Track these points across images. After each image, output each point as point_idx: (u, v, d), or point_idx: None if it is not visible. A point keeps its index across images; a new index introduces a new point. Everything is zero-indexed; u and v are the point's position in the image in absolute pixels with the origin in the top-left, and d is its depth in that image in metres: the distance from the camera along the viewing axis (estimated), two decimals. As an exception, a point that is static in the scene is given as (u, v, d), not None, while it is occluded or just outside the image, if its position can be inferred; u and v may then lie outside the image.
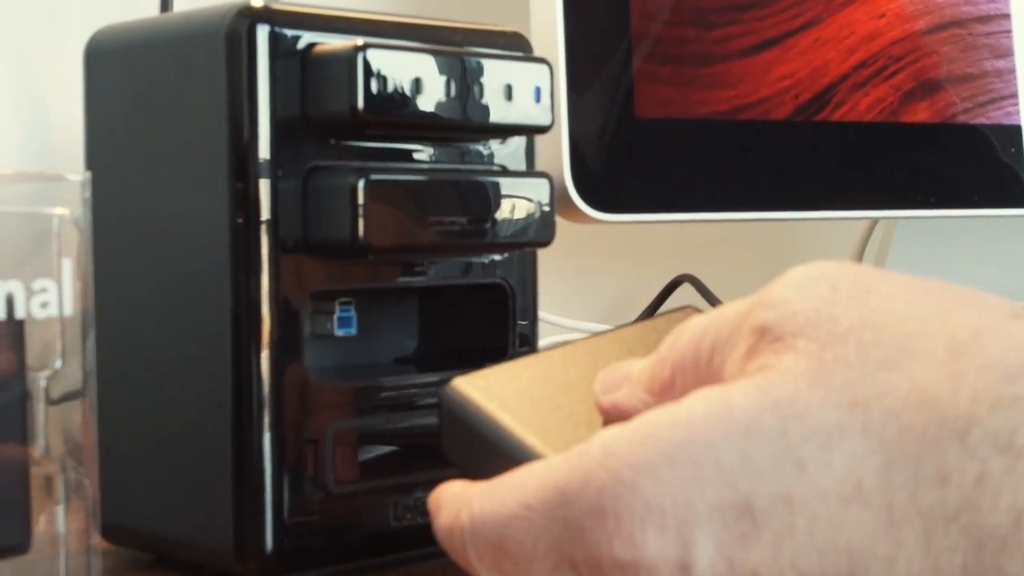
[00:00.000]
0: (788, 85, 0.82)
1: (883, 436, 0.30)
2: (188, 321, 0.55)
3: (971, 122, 0.89)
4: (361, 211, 0.52)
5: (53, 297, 0.42)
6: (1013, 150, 0.91)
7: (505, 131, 0.59)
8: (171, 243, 0.55)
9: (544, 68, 0.59)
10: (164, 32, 0.57)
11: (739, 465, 0.30)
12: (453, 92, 0.55)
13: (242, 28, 0.53)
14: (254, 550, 0.53)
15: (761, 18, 0.81)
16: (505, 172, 0.59)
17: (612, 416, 0.37)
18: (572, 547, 0.32)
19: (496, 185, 0.57)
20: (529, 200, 0.58)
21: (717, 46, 0.79)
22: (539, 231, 0.58)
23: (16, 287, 0.42)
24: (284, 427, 0.53)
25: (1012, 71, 0.92)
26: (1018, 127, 0.92)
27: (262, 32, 0.53)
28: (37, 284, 0.42)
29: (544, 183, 0.59)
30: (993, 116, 0.91)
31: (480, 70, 0.56)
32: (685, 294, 0.90)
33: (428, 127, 0.55)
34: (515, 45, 0.61)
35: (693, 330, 0.35)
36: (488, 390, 0.40)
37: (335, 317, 0.56)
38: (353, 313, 0.57)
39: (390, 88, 0.53)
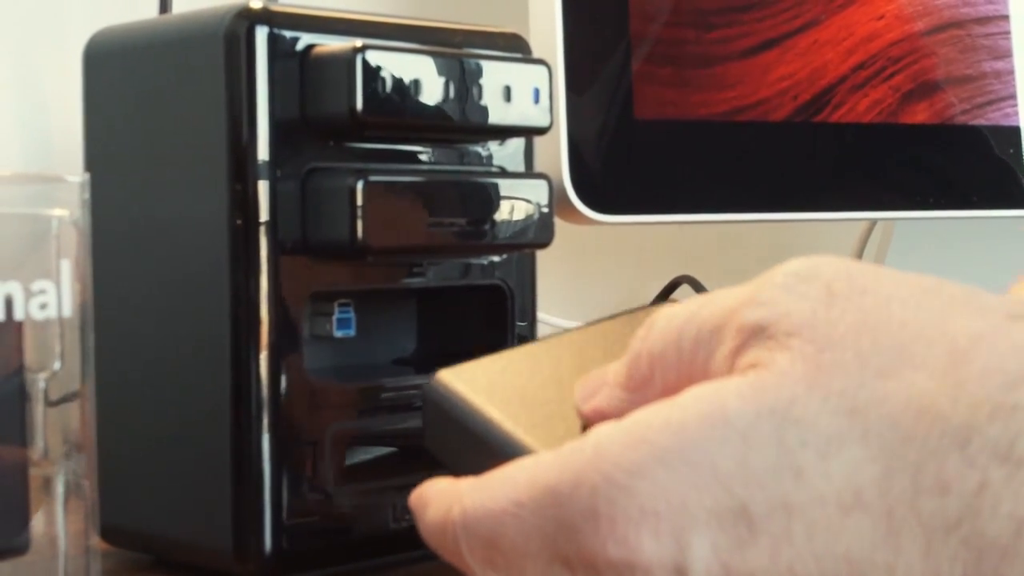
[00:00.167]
0: (787, 86, 0.82)
1: (883, 444, 0.29)
2: (187, 322, 0.55)
3: (970, 123, 0.89)
4: (360, 212, 0.52)
5: (52, 298, 0.42)
6: (1012, 151, 0.91)
7: (504, 132, 0.59)
8: (170, 244, 0.55)
9: (543, 69, 0.59)
10: (163, 34, 0.57)
11: (736, 472, 0.30)
12: (452, 93, 0.55)
13: (241, 30, 0.53)
14: (253, 551, 0.53)
15: (760, 19, 0.81)
16: (504, 173, 0.59)
17: (595, 422, 0.37)
18: (566, 546, 0.32)
19: (495, 186, 0.57)
20: (528, 201, 0.58)
21: (716, 47, 0.80)
22: (538, 232, 0.58)
23: (15, 288, 0.42)
24: (283, 428, 0.53)
25: (1011, 72, 0.92)
26: (1017, 128, 0.92)
27: (261, 33, 0.53)
28: (36, 285, 0.42)
29: (543, 184, 0.59)
30: (992, 117, 0.91)
31: (479, 71, 0.56)
32: (684, 295, 0.90)
33: (427, 128, 0.56)
34: (514, 46, 0.61)
35: (668, 322, 0.34)
36: (474, 383, 0.39)
37: (334, 318, 0.56)
38: (352, 314, 0.57)
39: (389, 89, 0.53)
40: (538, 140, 0.61)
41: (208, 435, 0.54)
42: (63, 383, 0.43)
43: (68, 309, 0.43)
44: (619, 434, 0.32)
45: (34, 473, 0.43)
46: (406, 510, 0.56)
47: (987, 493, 0.28)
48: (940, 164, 0.88)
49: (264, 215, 0.53)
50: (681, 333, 0.34)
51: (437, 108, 0.55)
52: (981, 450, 0.29)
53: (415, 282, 0.57)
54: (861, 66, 0.85)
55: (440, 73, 0.55)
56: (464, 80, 0.55)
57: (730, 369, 0.32)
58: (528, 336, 0.60)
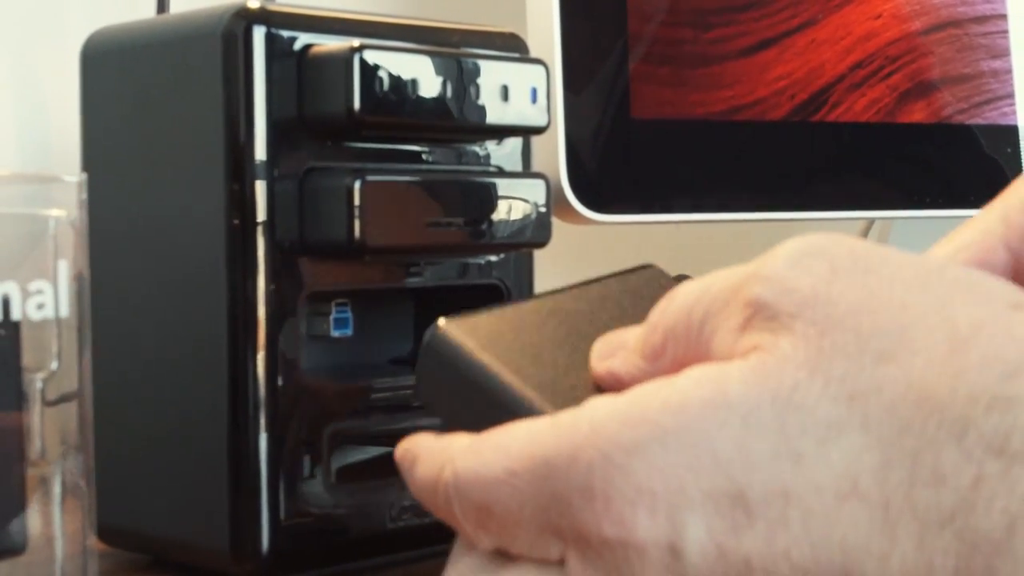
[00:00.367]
0: (784, 86, 0.82)
1: (881, 433, 0.29)
2: (184, 322, 0.55)
3: (967, 122, 0.89)
4: (357, 212, 0.52)
5: (49, 299, 0.42)
6: (1009, 150, 0.91)
7: (501, 132, 0.59)
8: (167, 244, 0.55)
9: (540, 69, 0.59)
10: (161, 33, 0.57)
11: (735, 456, 0.30)
12: (449, 93, 0.55)
13: (238, 29, 0.53)
14: (250, 551, 0.53)
15: (757, 19, 0.82)
16: (501, 173, 0.59)
17: (607, 383, 0.37)
18: (558, 519, 0.32)
19: (492, 186, 0.57)
20: (525, 201, 0.58)
21: (713, 47, 0.80)
22: (535, 232, 0.58)
23: (12, 288, 0.41)
24: (280, 428, 0.53)
25: (1008, 71, 0.92)
26: (1014, 127, 0.92)
27: (258, 33, 0.53)
28: (33, 286, 0.42)
29: (540, 184, 0.59)
30: (989, 116, 0.91)
31: (476, 71, 0.56)
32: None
33: (424, 128, 0.56)
34: (511, 46, 0.61)
35: (685, 296, 0.34)
36: (478, 335, 0.38)
37: (331, 318, 0.56)
38: (349, 314, 0.57)
39: (386, 89, 0.53)
40: (536, 140, 0.61)
41: (205, 435, 0.54)
42: (60, 383, 0.43)
43: (65, 309, 0.43)
44: (618, 412, 0.32)
45: (31, 473, 0.43)
46: (403, 510, 0.56)
47: (982, 487, 0.28)
48: (938, 163, 0.88)
49: (261, 215, 0.53)
50: (692, 308, 0.34)
51: (435, 108, 0.55)
52: (977, 443, 0.29)
53: (412, 282, 0.57)
54: (859, 65, 0.85)
55: (438, 73, 0.55)
56: (462, 80, 0.55)
57: (733, 347, 0.32)
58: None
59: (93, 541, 0.44)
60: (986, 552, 0.28)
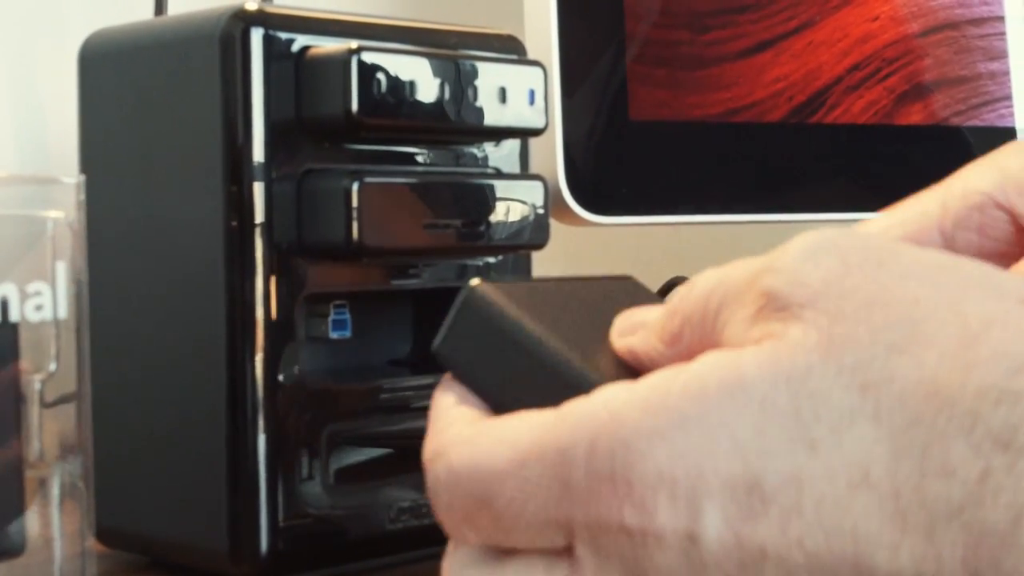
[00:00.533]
0: (782, 88, 0.82)
1: (892, 425, 0.30)
2: (183, 324, 0.55)
3: (965, 124, 0.89)
4: (355, 214, 0.52)
5: (47, 300, 0.42)
6: (1007, 152, 0.91)
7: (499, 134, 0.59)
8: (166, 246, 0.55)
9: (538, 71, 0.59)
10: (159, 35, 0.57)
11: (752, 441, 0.30)
12: (447, 95, 0.55)
13: (236, 31, 0.53)
14: (249, 553, 0.53)
15: (755, 21, 0.82)
16: (499, 175, 0.59)
17: (627, 359, 0.37)
18: (572, 509, 0.32)
19: (490, 188, 0.57)
20: (523, 203, 0.58)
21: (711, 49, 0.80)
22: (533, 234, 0.58)
23: (10, 290, 0.42)
24: (279, 429, 0.53)
25: (1006, 73, 0.92)
26: (1012, 129, 0.92)
27: (256, 35, 0.53)
28: (31, 287, 0.42)
29: (538, 186, 0.59)
30: (987, 118, 0.91)
31: (474, 73, 0.56)
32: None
33: (422, 130, 0.56)
34: (509, 48, 0.61)
35: (704, 284, 0.35)
36: (515, 299, 0.37)
37: (330, 320, 0.56)
38: (348, 316, 0.57)
39: (384, 91, 0.53)
40: (533, 141, 0.61)
41: (204, 436, 0.54)
42: (59, 384, 0.43)
43: (63, 311, 0.43)
44: (637, 399, 0.32)
45: (30, 475, 0.43)
46: (402, 511, 0.56)
47: (989, 481, 0.29)
48: (935, 165, 0.88)
49: (260, 216, 0.53)
50: (709, 297, 0.34)
51: (432, 109, 0.55)
52: (985, 437, 0.29)
53: (411, 283, 0.57)
54: (856, 67, 0.85)
55: (435, 74, 0.55)
56: (459, 81, 0.56)
57: (744, 336, 0.32)
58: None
59: (91, 542, 0.44)
60: (992, 544, 0.29)
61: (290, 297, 0.54)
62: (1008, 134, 0.92)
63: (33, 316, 0.42)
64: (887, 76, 0.86)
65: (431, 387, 0.57)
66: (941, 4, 0.90)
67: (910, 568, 0.29)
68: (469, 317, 0.37)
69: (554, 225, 0.61)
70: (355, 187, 0.53)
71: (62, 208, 0.44)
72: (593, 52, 0.75)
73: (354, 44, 0.53)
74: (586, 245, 1.04)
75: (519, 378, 0.36)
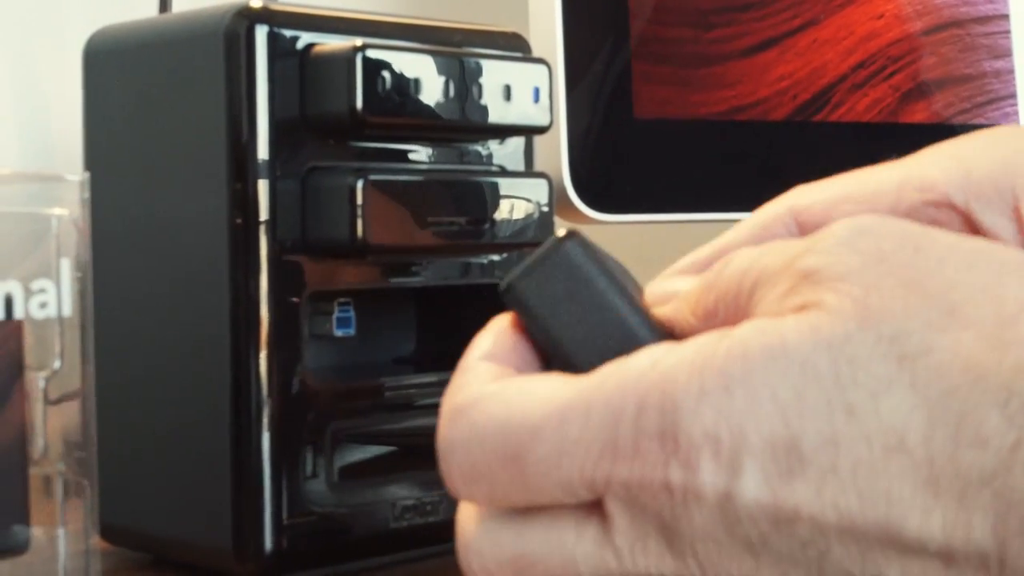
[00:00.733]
0: (786, 86, 0.82)
1: (928, 394, 0.30)
2: (187, 321, 0.55)
3: (970, 122, 0.89)
4: (360, 211, 0.52)
5: (52, 297, 0.42)
6: (1011, 151, 0.91)
7: (504, 131, 0.59)
8: (170, 243, 0.55)
9: (543, 69, 0.59)
10: (163, 33, 0.57)
11: (793, 403, 0.31)
12: (452, 92, 0.55)
13: (241, 29, 0.53)
14: (253, 551, 0.53)
15: (759, 19, 0.81)
16: (504, 172, 0.59)
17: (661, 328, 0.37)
18: (612, 467, 0.32)
19: (495, 185, 0.57)
20: (528, 200, 0.58)
21: (715, 47, 0.80)
22: (538, 231, 0.58)
23: (15, 287, 0.42)
24: (283, 427, 0.53)
25: (1011, 72, 0.92)
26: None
27: (261, 33, 0.53)
28: (36, 284, 0.42)
29: (543, 183, 0.59)
30: (991, 117, 0.91)
31: (479, 70, 0.56)
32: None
33: (427, 127, 0.56)
34: (514, 46, 0.61)
35: (739, 263, 0.35)
36: (603, 259, 0.37)
37: (334, 317, 0.56)
38: (352, 313, 0.57)
39: (389, 88, 0.53)
40: (538, 139, 0.61)
41: (208, 434, 0.54)
42: (63, 382, 0.43)
43: (68, 308, 0.43)
44: (685, 360, 0.32)
45: (34, 472, 0.43)
46: (406, 509, 0.56)
47: (1020, 451, 0.30)
48: (940, 163, 0.88)
49: (264, 214, 0.53)
50: (744, 275, 0.35)
51: (437, 107, 0.55)
52: (1019, 410, 0.30)
53: (415, 281, 0.57)
54: (861, 65, 0.85)
55: (440, 72, 0.55)
56: (464, 79, 0.55)
57: (779, 310, 0.33)
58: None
59: (95, 540, 0.44)
60: (1022, 511, 0.29)
61: (294, 295, 0.53)
62: (1013, 132, 0.91)
63: (37, 313, 0.42)
64: (892, 74, 0.86)
65: (435, 385, 0.58)
66: (946, 2, 0.90)
67: (940, 534, 0.30)
68: (557, 262, 0.36)
69: (558, 223, 0.61)
70: (359, 185, 0.52)
71: (66, 205, 0.44)
72: (597, 50, 0.75)
73: (359, 42, 0.53)
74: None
75: (592, 331, 0.36)
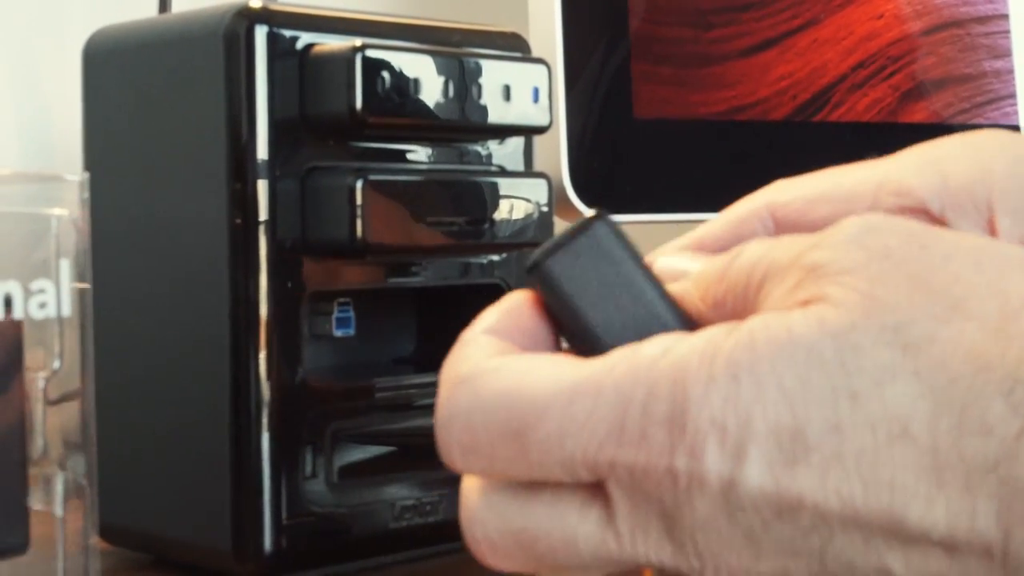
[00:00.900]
0: (786, 86, 0.82)
1: (933, 383, 0.31)
2: (186, 322, 0.55)
3: (969, 122, 0.89)
4: (359, 211, 0.52)
5: (51, 297, 0.42)
6: (1011, 150, 0.91)
7: (503, 131, 0.59)
8: (169, 243, 0.55)
9: (542, 69, 0.59)
10: (162, 33, 0.57)
11: (798, 390, 0.31)
12: (451, 93, 0.55)
13: (240, 29, 0.53)
14: (253, 551, 0.53)
15: (759, 19, 0.81)
16: (503, 172, 0.59)
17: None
18: (617, 450, 0.32)
19: (494, 185, 0.57)
20: (527, 200, 0.58)
21: (715, 47, 0.80)
22: (537, 231, 0.58)
23: (14, 287, 0.41)
24: (282, 427, 0.53)
25: (1010, 71, 0.92)
26: (1016, 127, 0.92)
27: (260, 33, 0.53)
28: (35, 284, 0.42)
29: (542, 183, 0.59)
30: (991, 116, 0.91)
31: (478, 71, 0.56)
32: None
33: (426, 128, 0.56)
34: (513, 46, 0.61)
35: (749, 256, 0.35)
36: (630, 243, 0.38)
37: (333, 317, 0.56)
38: (351, 313, 0.57)
39: (388, 88, 0.53)
40: (537, 139, 0.61)
41: (207, 434, 0.54)
42: (62, 382, 0.43)
43: (67, 308, 0.43)
44: (695, 348, 0.32)
45: (34, 472, 0.43)
46: (405, 509, 0.56)
47: None
48: (939, 163, 0.88)
49: (263, 214, 0.53)
50: (754, 268, 0.35)
51: (437, 107, 0.55)
52: (1023, 400, 0.30)
53: (414, 281, 0.57)
54: (860, 65, 0.85)
55: (439, 72, 0.55)
56: (463, 79, 0.55)
57: (784, 305, 0.33)
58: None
59: (95, 540, 0.44)
60: None
61: (294, 295, 0.53)
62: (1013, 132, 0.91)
63: (37, 314, 0.42)
64: (891, 74, 0.86)
65: (435, 385, 0.57)
66: (946, 2, 0.90)
67: (944, 521, 0.30)
68: (587, 242, 0.36)
69: (558, 223, 0.61)
70: (359, 185, 0.52)
71: (66, 206, 0.44)
72: (597, 50, 0.75)
73: (358, 42, 0.53)
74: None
75: (619, 311, 0.36)
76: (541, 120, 0.58)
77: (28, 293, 0.42)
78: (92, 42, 0.60)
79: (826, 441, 0.31)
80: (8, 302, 0.41)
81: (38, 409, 0.43)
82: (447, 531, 0.58)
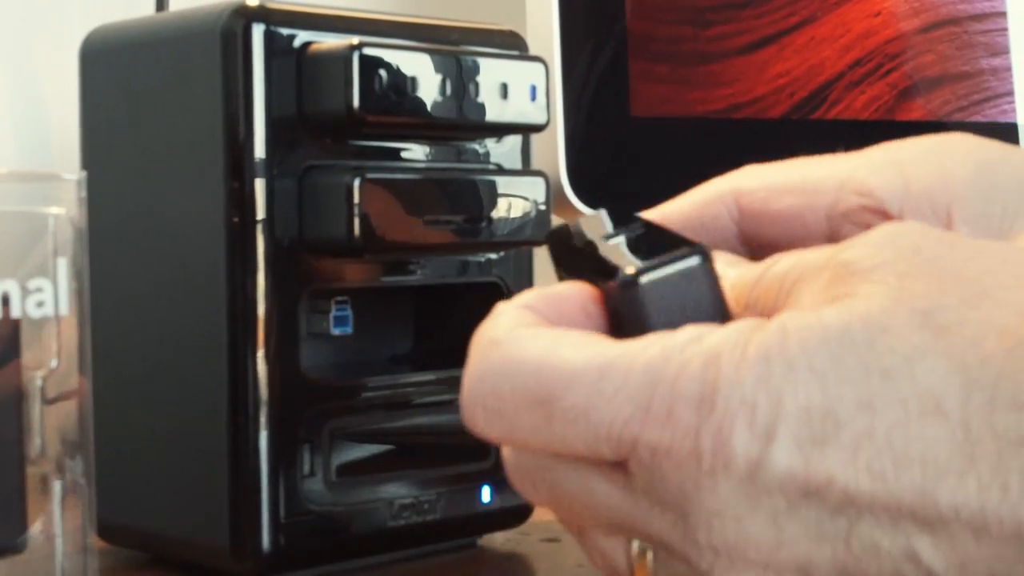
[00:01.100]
0: (784, 83, 0.82)
1: (965, 361, 0.31)
2: (184, 320, 0.55)
3: (967, 120, 0.89)
4: (357, 210, 0.52)
5: (49, 296, 0.42)
6: (1009, 148, 0.91)
7: (501, 130, 0.59)
8: (167, 242, 0.55)
9: (540, 67, 0.59)
10: (160, 31, 0.57)
11: (830, 370, 0.31)
12: (449, 91, 0.55)
13: (238, 27, 0.53)
14: (250, 549, 0.53)
15: (757, 16, 0.81)
16: (501, 171, 0.59)
17: None
18: (641, 428, 0.32)
19: (492, 184, 0.57)
20: (525, 199, 0.58)
21: (713, 44, 0.79)
22: (535, 230, 0.58)
23: (12, 286, 0.41)
24: (280, 426, 0.53)
25: (1008, 69, 0.92)
26: (1014, 125, 0.92)
27: (258, 31, 0.53)
28: (33, 283, 0.42)
29: (540, 182, 0.59)
30: (989, 114, 0.91)
31: (476, 69, 0.56)
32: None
33: (424, 126, 0.55)
34: (511, 44, 0.61)
35: (786, 262, 0.36)
36: None
37: (331, 316, 0.56)
38: (349, 312, 0.57)
39: (386, 87, 0.53)
40: (535, 137, 0.61)
41: (205, 433, 0.54)
42: (60, 381, 0.43)
43: (65, 307, 0.43)
44: (728, 336, 0.32)
45: (31, 471, 0.43)
46: (404, 508, 0.56)
47: None
48: (937, 161, 0.88)
49: (261, 213, 0.53)
50: (788, 272, 0.35)
51: (434, 105, 0.55)
52: None
53: (412, 280, 0.57)
54: (858, 63, 0.85)
55: (437, 70, 0.55)
56: (461, 77, 0.55)
57: (815, 304, 0.33)
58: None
59: (93, 539, 0.44)
60: None
61: (291, 293, 0.53)
62: (1010, 130, 0.92)
63: (34, 312, 0.42)
64: (889, 72, 0.86)
65: (433, 383, 0.58)
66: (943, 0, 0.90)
67: (975, 497, 0.30)
68: (689, 275, 0.37)
69: (555, 221, 0.61)
70: (356, 183, 0.52)
71: (63, 204, 0.43)
72: (595, 48, 0.75)
73: (355, 40, 0.53)
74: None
75: None
76: (539, 118, 0.58)
77: (25, 292, 0.42)
78: (89, 40, 0.60)
79: (857, 418, 0.31)
80: (5, 301, 0.41)
81: (36, 408, 0.43)
82: (445, 530, 0.58)
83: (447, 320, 0.62)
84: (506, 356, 0.34)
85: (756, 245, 0.42)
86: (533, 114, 0.58)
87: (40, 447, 0.43)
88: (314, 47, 0.54)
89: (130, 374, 0.57)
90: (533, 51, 0.62)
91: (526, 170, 0.60)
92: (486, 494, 0.59)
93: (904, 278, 0.32)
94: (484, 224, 0.56)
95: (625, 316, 0.36)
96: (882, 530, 0.31)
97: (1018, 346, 0.31)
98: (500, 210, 0.57)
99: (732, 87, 0.80)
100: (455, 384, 0.58)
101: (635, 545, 0.34)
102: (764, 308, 0.35)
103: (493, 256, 0.59)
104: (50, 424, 0.43)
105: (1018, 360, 0.30)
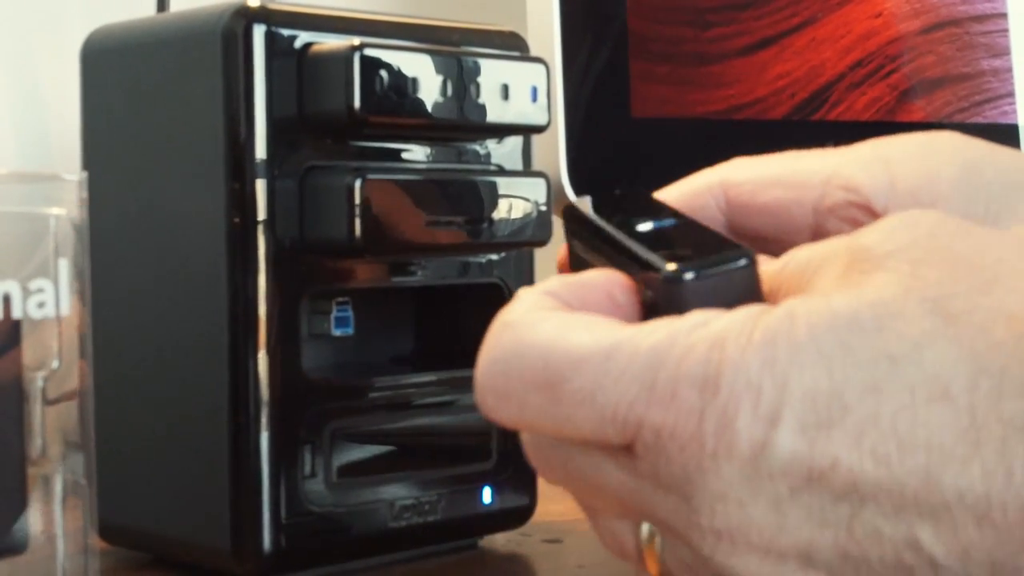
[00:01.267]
0: (784, 84, 0.82)
1: (973, 348, 0.31)
2: (185, 321, 0.55)
3: (968, 121, 0.89)
4: (358, 211, 0.52)
5: (50, 297, 0.42)
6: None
7: (502, 131, 0.59)
8: (168, 243, 0.55)
9: (541, 68, 0.59)
10: (161, 32, 0.57)
11: (838, 354, 0.31)
12: (450, 92, 0.55)
13: (238, 28, 0.53)
14: (252, 550, 0.53)
15: (758, 17, 0.81)
16: (502, 172, 0.59)
17: None
18: (646, 410, 0.32)
19: (493, 185, 0.57)
20: (526, 200, 0.58)
21: (714, 45, 0.79)
22: (536, 231, 0.58)
23: (13, 287, 0.41)
24: (281, 427, 0.53)
25: (1009, 70, 0.92)
26: (1015, 126, 0.92)
27: (258, 32, 0.53)
28: (34, 284, 0.42)
29: (541, 182, 0.59)
30: (990, 115, 0.91)
31: (477, 70, 0.56)
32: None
33: (425, 127, 0.55)
34: (512, 45, 0.61)
35: (808, 252, 0.36)
36: None
37: (332, 317, 0.56)
38: (350, 313, 0.57)
39: (387, 88, 0.53)
40: (536, 138, 0.61)
41: (206, 433, 0.54)
42: (61, 382, 0.43)
43: (66, 308, 0.43)
44: (735, 321, 0.32)
45: (32, 472, 0.43)
46: (405, 509, 0.56)
47: None
48: (938, 162, 0.88)
49: (262, 213, 0.53)
50: (808, 262, 0.35)
51: (435, 106, 0.55)
52: None
53: (413, 280, 0.57)
54: (859, 64, 0.85)
55: (438, 71, 0.55)
56: (462, 78, 0.55)
57: (828, 288, 0.33)
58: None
59: (94, 539, 0.44)
60: None
61: (292, 294, 0.53)
62: (1011, 131, 0.92)
63: (36, 313, 0.42)
64: (890, 73, 0.86)
65: (434, 384, 0.58)
66: (944, 1, 0.90)
67: (980, 482, 0.30)
68: (734, 277, 0.37)
69: (557, 222, 0.61)
70: (357, 184, 0.52)
71: (64, 205, 0.43)
72: (595, 49, 0.75)
73: (356, 41, 0.53)
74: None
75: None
76: (539, 119, 0.58)
77: (27, 293, 0.42)
78: (90, 41, 0.60)
79: (863, 402, 0.31)
80: (7, 302, 0.41)
81: (37, 408, 0.43)
82: (446, 531, 0.58)
83: (448, 321, 0.62)
84: (517, 339, 0.34)
85: (743, 237, 0.42)
86: (534, 115, 0.58)
87: (41, 447, 0.43)
88: (315, 48, 0.54)
89: (131, 374, 0.57)
90: (534, 52, 0.62)
91: (527, 171, 0.60)
92: (487, 495, 0.59)
93: (917, 265, 0.32)
94: (485, 225, 0.56)
95: (666, 311, 0.36)
96: (884, 517, 0.31)
97: None
98: (501, 211, 0.57)
99: (733, 88, 0.80)
100: (456, 385, 0.58)
101: (644, 528, 0.34)
102: (786, 295, 0.35)
103: (494, 257, 0.59)
104: (51, 424, 0.43)
105: None
